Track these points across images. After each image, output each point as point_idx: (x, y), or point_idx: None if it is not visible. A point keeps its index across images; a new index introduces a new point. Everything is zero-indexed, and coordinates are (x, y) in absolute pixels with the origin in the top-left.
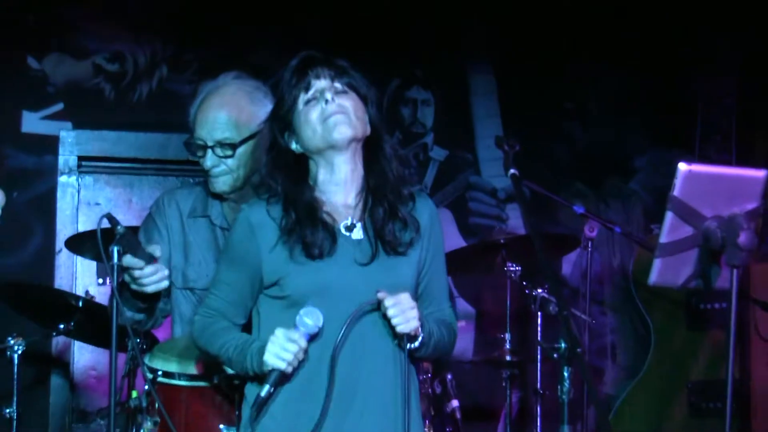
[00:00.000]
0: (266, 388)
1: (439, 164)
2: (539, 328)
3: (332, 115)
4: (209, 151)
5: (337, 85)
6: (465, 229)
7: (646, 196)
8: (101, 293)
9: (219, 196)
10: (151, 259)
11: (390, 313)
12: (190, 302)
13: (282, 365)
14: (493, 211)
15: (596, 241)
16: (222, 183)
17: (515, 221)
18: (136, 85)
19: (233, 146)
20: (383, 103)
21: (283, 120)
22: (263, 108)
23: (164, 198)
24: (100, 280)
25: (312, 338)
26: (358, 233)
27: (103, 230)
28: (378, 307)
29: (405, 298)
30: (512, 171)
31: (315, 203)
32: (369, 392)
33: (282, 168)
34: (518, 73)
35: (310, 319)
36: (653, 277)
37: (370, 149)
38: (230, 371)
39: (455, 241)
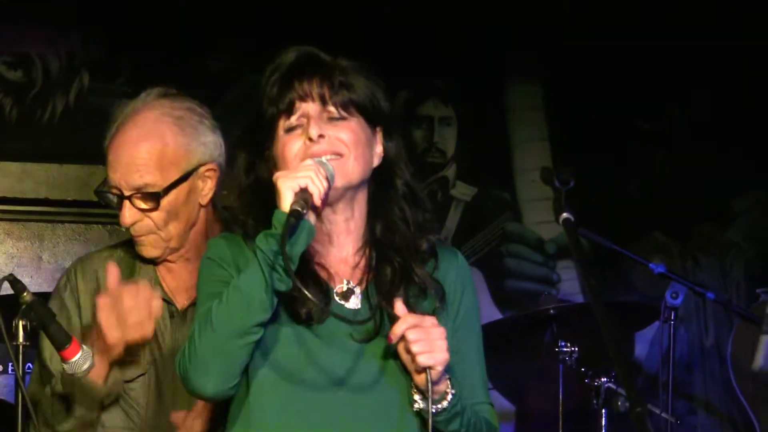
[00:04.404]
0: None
1: (464, 206)
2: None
3: None
4: (126, 203)
5: (332, 109)
6: (500, 295)
7: (750, 251)
8: None
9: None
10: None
11: (410, 336)
12: (120, 414)
13: (304, 182)
14: (539, 271)
15: (682, 312)
16: (150, 246)
17: (570, 285)
18: (47, 100)
19: (156, 196)
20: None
21: (261, 141)
22: (198, 138)
23: (76, 268)
24: None
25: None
26: (354, 302)
27: (3, 298)
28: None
29: (430, 321)
30: (565, 215)
31: (304, 253)
32: None
33: (261, 203)
34: (574, 81)
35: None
36: (761, 361)
37: (377, 184)
38: None
39: (487, 312)
